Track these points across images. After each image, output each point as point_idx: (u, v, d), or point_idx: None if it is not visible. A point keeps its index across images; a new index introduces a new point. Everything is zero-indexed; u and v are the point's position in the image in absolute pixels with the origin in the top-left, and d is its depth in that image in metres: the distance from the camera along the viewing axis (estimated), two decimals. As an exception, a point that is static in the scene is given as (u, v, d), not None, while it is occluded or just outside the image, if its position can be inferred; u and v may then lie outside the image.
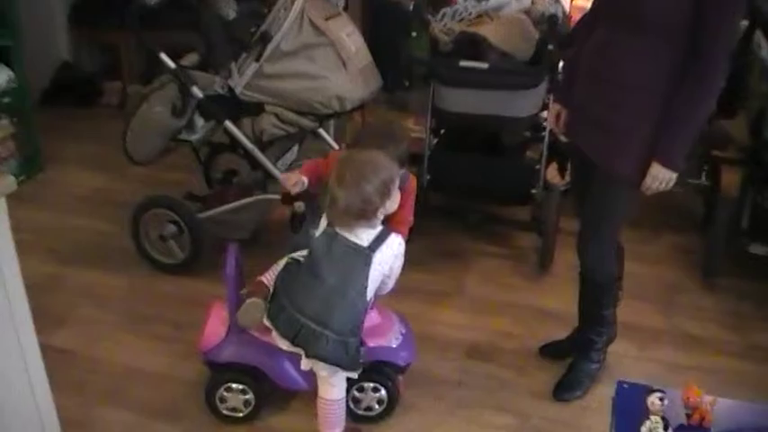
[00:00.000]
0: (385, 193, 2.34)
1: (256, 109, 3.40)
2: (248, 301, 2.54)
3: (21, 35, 4.62)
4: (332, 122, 4.01)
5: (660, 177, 2.52)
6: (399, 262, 2.47)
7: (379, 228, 2.41)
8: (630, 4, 2.48)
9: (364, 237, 2.38)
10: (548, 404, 3.01)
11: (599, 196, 2.77)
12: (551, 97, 3.58)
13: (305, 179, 2.88)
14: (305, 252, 2.50)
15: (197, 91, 3.39)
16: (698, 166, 4.19)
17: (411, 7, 3.72)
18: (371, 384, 2.81)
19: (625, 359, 3.23)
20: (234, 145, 3.55)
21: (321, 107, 3.31)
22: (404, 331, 2.88)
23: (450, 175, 3.88)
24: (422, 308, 3.52)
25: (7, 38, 4.51)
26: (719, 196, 3.96)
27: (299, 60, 3.29)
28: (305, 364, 2.49)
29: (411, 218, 2.82)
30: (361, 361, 2.56)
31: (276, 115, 3.35)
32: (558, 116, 2.96)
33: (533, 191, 3.78)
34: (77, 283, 3.69)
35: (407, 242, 2.54)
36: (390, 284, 2.54)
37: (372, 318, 2.75)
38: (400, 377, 2.91)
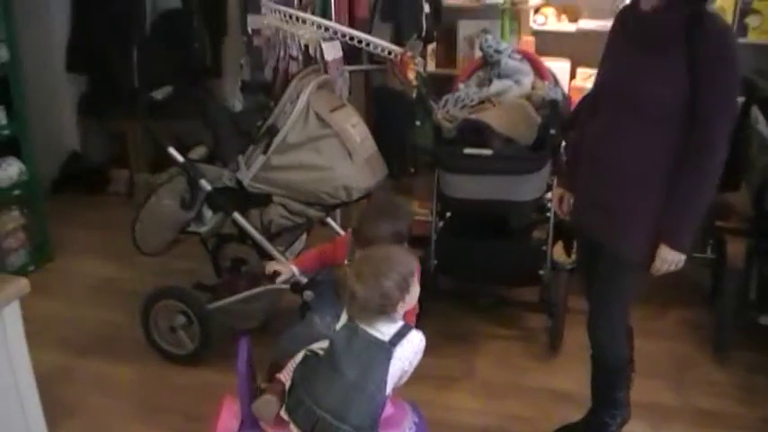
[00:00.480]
0: (404, 288, 2.34)
1: (264, 200, 3.43)
2: (262, 398, 2.55)
3: (30, 126, 4.70)
4: (339, 210, 4.05)
5: (669, 260, 2.55)
6: (419, 357, 2.46)
7: (400, 323, 2.41)
8: (628, 91, 2.54)
9: (385, 331, 2.38)
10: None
11: (606, 278, 2.78)
12: (555, 179, 3.64)
13: (294, 268, 3.00)
14: (323, 344, 2.50)
15: (205, 184, 3.44)
16: (703, 239, 4.21)
17: (414, 95, 3.78)
18: None
19: (640, 438, 3.20)
20: (242, 235, 3.58)
21: (328, 197, 3.35)
22: (417, 420, 2.84)
23: (457, 258, 3.90)
24: (432, 393, 3.50)
25: (17, 130, 4.59)
26: (726, 268, 3.97)
27: (305, 152, 3.34)
28: None
29: (416, 303, 2.81)
30: None
31: (284, 206, 3.39)
32: (561, 199, 2.99)
33: (541, 271, 3.79)
34: (88, 374, 3.69)
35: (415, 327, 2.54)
36: (406, 378, 2.53)
37: (385, 408, 2.71)
38: None
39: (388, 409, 2.70)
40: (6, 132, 4.52)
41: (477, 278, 4.04)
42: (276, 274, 3.03)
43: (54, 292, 4.42)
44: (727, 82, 2.44)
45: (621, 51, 2.63)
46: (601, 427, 3.05)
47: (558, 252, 3.97)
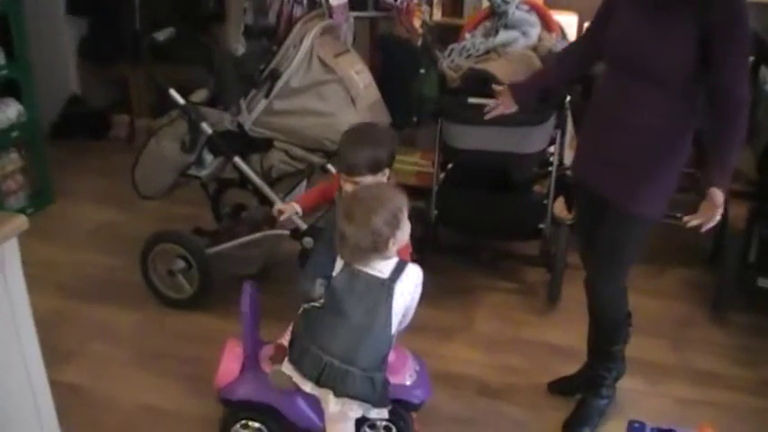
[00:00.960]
0: (394, 224, 2.33)
1: (265, 145, 3.42)
2: (272, 370, 2.57)
3: (31, 69, 4.65)
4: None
5: (720, 203, 2.52)
6: (419, 290, 2.46)
7: (395, 259, 2.40)
8: (639, 55, 2.55)
9: (382, 269, 2.38)
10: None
11: (612, 233, 2.78)
12: (558, 133, 3.61)
13: (297, 206, 2.98)
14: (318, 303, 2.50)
15: (206, 127, 3.41)
16: (706, 199, 4.19)
17: (419, 44, 3.73)
18: (384, 423, 2.78)
19: (635, 395, 3.21)
20: (243, 181, 3.56)
21: (330, 143, 3.32)
22: (418, 369, 2.86)
23: (458, 210, 3.89)
24: (432, 344, 3.51)
25: (17, 72, 4.54)
26: (727, 230, 3.96)
27: (308, 97, 3.31)
28: (333, 405, 2.44)
29: (408, 241, 2.77)
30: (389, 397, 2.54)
31: (285, 151, 3.37)
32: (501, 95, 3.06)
33: (541, 226, 3.78)
34: (86, 319, 3.69)
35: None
36: (409, 317, 2.53)
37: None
38: (414, 415, 2.88)
39: (390, 356, 2.70)
40: (5, 73, 4.48)
41: (477, 231, 4.03)
42: (280, 213, 3.01)
43: (53, 236, 4.40)
44: (743, 46, 2.45)
45: (628, 14, 2.61)
46: (596, 380, 3.05)
47: (558, 209, 3.95)
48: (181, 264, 3.64)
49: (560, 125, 3.63)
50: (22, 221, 2.17)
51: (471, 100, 3.49)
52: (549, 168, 3.74)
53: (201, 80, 3.72)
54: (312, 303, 2.52)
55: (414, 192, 4.52)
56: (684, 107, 2.56)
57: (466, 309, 3.82)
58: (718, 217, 2.54)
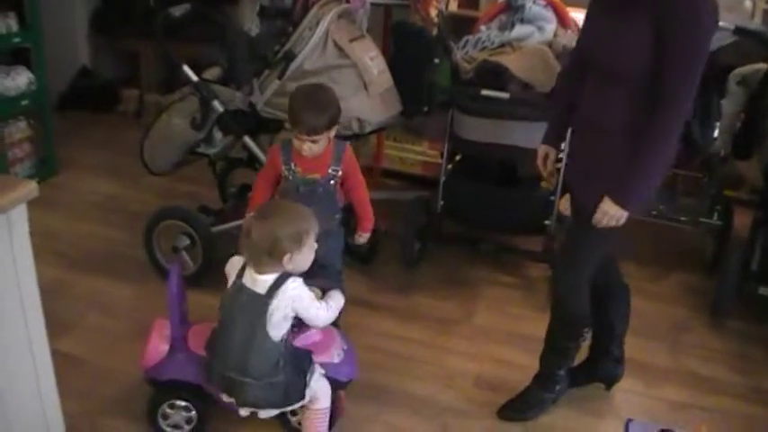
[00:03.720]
0: (296, 242, 2.42)
1: (275, 126, 3.41)
2: None
3: (42, 39, 4.65)
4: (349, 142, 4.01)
5: (610, 213, 2.54)
6: (302, 303, 2.50)
7: (276, 274, 2.46)
8: (601, 55, 2.54)
9: (266, 279, 2.46)
10: (553, 437, 3.00)
11: (572, 230, 2.88)
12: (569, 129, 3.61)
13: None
14: None
15: (218, 105, 3.41)
16: (710, 205, 4.20)
17: (434, 34, 3.73)
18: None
19: (631, 396, 3.22)
20: (251, 160, 3.56)
21: (341, 128, 3.31)
22: (345, 348, 2.89)
23: (464, 202, 3.90)
24: (430, 334, 3.53)
25: (29, 40, 4.54)
26: (731, 237, 3.96)
27: (320, 80, 3.30)
28: (243, 412, 2.60)
29: (362, 178, 3.07)
30: (307, 386, 2.61)
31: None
32: (545, 158, 2.97)
33: (546, 222, 3.79)
34: (86, 290, 3.69)
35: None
36: (319, 318, 2.57)
37: (313, 335, 2.81)
38: (342, 392, 2.91)
39: (316, 336, 2.81)
40: (17, 41, 4.48)
41: (481, 223, 4.03)
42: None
43: (57, 206, 4.40)
44: (689, 41, 2.36)
45: (596, 14, 2.62)
46: (547, 375, 3.07)
47: (564, 206, 3.95)
48: (185, 241, 3.65)
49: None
50: (31, 188, 2.17)
51: (484, 92, 3.50)
52: (558, 165, 3.73)
53: (214, 58, 3.72)
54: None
55: (419, 181, 4.60)
56: (638, 110, 2.48)
57: (465, 301, 3.82)
58: (610, 223, 2.56)
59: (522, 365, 3.27)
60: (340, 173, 2.99)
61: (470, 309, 3.77)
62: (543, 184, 3.93)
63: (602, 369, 3.18)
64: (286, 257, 2.41)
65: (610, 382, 3.20)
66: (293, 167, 2.96)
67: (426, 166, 4.68)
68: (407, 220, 3.96)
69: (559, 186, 3.76)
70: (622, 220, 2.55)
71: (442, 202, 3.87)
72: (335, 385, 2.81)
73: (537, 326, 3.14)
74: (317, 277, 3.21)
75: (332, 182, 3.01)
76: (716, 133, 3.85)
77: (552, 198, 3.78)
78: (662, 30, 2.34)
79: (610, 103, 2.54)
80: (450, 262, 4.10)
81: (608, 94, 2.54)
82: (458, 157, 4.01)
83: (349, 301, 3.64)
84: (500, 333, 3.59)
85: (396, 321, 3.62)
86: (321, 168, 2.98)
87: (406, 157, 4.81)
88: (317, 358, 2.72)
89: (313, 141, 2.85)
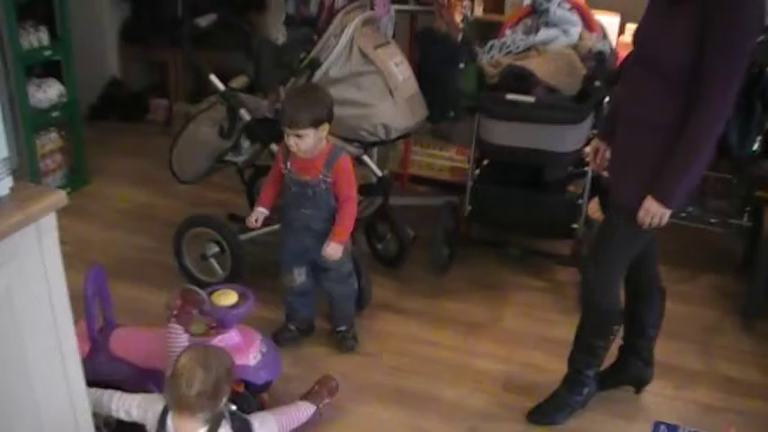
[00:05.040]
0: (230, 376, 2.34)
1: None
2: None
3: (72, 51, 4.70)
4: (376, 149, 4.03)
5: (653, 212, 2.54)
6: None
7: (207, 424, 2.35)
8: (650, 51, 2.54)
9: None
10: (582, 442, 2.99)
11: (604, 225, 2.85)
12: (595, 133, 3.60)
13: (261, 209, 3.26)
14: None
15: (245, 113, 3.44)
16: (740, 206, 4.17)
17: (459, 39, 3.74)
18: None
19: (660, 398, 3.19)
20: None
21: (367, 135, 3.35)
22: (265, 350, 2.90)
23: (492, 206, 3.90)
24: (458, 338, 3.53)
25: (59, 53, 4.59)
26: (761, 238, 3.93)
27: (346, 87, 3.33)
28: None
29: (354, 194, 3.13)
30: None
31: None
32: (596, 152, 2.97)
33: (574, 225, 3.78)
34: (117, 297, 3.67)
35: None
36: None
37: (233, 337, 2.82)
38: (265, 395, 2.97)
39: (236, 338, 2.83)
40: (48, 54, 4.53)
41: (509, 227, 4.03)
42: (255, 221, 3.27)
43: (88, 215, 4.45)
44: (732, 34, 2.35)
45: (650, 9, 2.62)
46: (575, 376, 3.05)
47: (593, 209, 3.94)
48: (214, 248, 3.67)
49: (597, 125, 3.61)
50: (61, 197, 2.20)
51: (509, 96, 3.50)
52: (585, 168, 3.73)
53: (241, 66, 3.75)
54: None
55: (447, 186, 4.60)
56: (681, 108, 2.47)
57: (494, 304, 3.82)
58: (654, 222, 2.55)
59: (551, 369, 3.26)
60: (329, 179, 3.06)
61: (499, 312, 3.77)
62: (570, 187, 3.92)
63: (632, 371, 3.16)
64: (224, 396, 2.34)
65: (639, 384, 3.18)
66: (288, 166, 3.11)
67: (454, 171, 4.68)
68: (436, 224, 3.96)
69: (587, 189, 3.75)
70: (665, 219, 2.55)
71: (469, 207, 3.87)
72: (254, 388, 2.87)
73: (566, 330, 3.13)
74: (325, 280, 3.27)
75: (323, 186, 3.07)
76: (756, 146, 3.71)
77: (580, 201, 3.77)
78: (707, 23, 2.34)
79: (653, 98, 2.53)
80: (478, 266, 4.10)
81: (652, 89, 2.53)
82: (485, 162, 4.01)
83: (377, 306, 3.71)
84: (529, 337, 3.58)
85: (424, 325, 3.63)
86: (312, 171, 3.07)
87: (434, 163, 4.81)
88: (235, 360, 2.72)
89: (297, 136, 2.96)
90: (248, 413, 2.75)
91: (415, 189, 4.85)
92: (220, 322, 2.84)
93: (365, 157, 3.68)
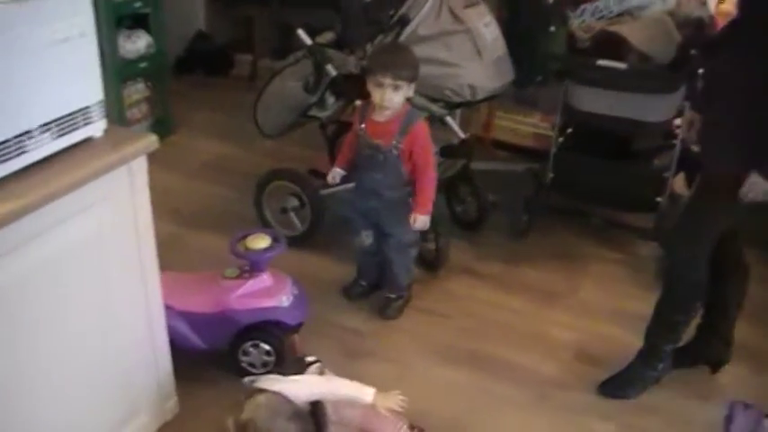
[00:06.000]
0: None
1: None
2: None
3: (161, 4, 4.77)
4: (459, 111, 4.00)
5: (758, 187, 2.47)
6: None
7: None
8: (754, 12, 2.49)
9: None
10: (653, 417, 2.93)
11: (693, 198, 2.81)
12: (687, 104, 3.50)
13: (339, 170, 3.26)
14: None
15: (331, 69, 3.43)
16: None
17: (551, 1, 3.67)
18: (258, 343, 2.92)
19: (737, 380, 3.12)
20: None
21: (452, 95, 3.32)
22: (296, 292, 2.97)
23: (575, 175, 3.84)
24: (533, 306, 3.51)
25: (149, 6, 4.67)
26: None
27: (434, 46, 3.30)
28: None
29: (432, 160, 3.11)
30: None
31: (407, 99, 3.37)
32: (691, 124, 2.90)
33: (659, 199, 3.69)
34: (197, 245, 3.79)
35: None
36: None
37: (264, 280, 2.90)
38: (296, 336, 2.99)
39: (267, 281, 2.91)
40: (138, 6, 4.60)
41: (591, 197, 3.95)
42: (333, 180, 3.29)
43: (171, 165, 4.49)
44: None
45: None
46: (651, 350, 2.99)
47: (678, 184, 3.85)
48: (294, 202, 3.71)
49: (690, 95, 3.51)
50: (152, 141, 2.25)
51: (600, 62, 3.43)
52: (674, 141, 3.64)
53: (329, 22, 3.74)
54: None
55: (529, 153, 4.54)
56: None
57: (571, 275, 3.77)
58: (758, 198, 2.49)
59: (626, 343, 3.20)
60: (402, 146, 3.03)
61: (576, 283, 3.72)
62: (656, 160, 3.83)
63: (710, 351, 3.10)
64: None
65: (716, 364, 3.11)
66: (363, 128, 3.08)
67: (537, 137, 4.61)
68: (516, 191, 3.94)
69: (674, 163, 3.66)
70: None
71: (552, 174, 3.81)
72: (285, 328, 2.93)
73: (643, 305, 3.07)
74: (385, 245, 3.30)
75: (394, 152, 3.04)
76: None
77: (666, 175, 3.68)
78: None
79: (758, 68, 2.45)
80: (557, 235, 4.05)
81: (757, 58, 2.45)
82: (570, 130, 3.94)
83: (453, 268, 3.71)
84: (605, 309, 3.53)
85: (500, 291, 3.60)
86: (386, 136, 3.04)
87: (517, 129, 4.75)
88: (265, 302, 2.86)
89: (394, 88, 2.94)
90: (280, 352, 2.88)
91: (497, 154, 4.79)
92: (253, 265, 2.91)
93: (448, 119, 3.64)
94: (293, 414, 2.24)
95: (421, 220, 3.09)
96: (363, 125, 3.11)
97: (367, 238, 3.34)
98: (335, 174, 3.28)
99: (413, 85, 3.00)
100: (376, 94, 2.98)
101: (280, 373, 2.47)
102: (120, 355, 2.37)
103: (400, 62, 2.98)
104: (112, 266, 2.25)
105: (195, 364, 2.95)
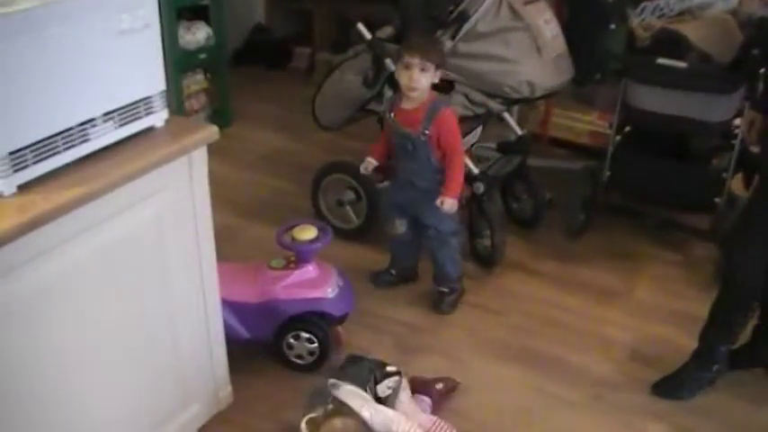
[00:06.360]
0: None
1: (446, 87, 3.42)
2: None
3: (220, -5, 4.83)
4: (517, 108, 4.00)
5: None
6: None
7: None
8: None
9: None
10: (707, 420, 2.90)
11: (754, 198, 2.77)
12: (747, 105, 3.46)
13: (371, 159, 3.27)
14: None
15: (390, 63, 3.44)
16: None
17: (611, -1, 3.65)
18: (304, 334, 2.94)
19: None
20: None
21: (511, 91, 3.31)
22: (341, 284, 2.99)
23: (632, 174, 3.81)
24: (588, 304, 3.49)
25: (209, -2, 4.72)
26: None
27: (493, 42, 3.30)
28: None
29: (460, 146, 3.14)
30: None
31: (465, 95, 3.38)
32: (752, 124, 2.86)
33: (716, 200, 3.65)
34: (252, 236, 3.84)
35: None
36: None
37: (309, 271, 2.93)
38: (340, 328, 3.05)
39: (313, 272, 2.95)
40: (198, -3, 4.66)
41: (648, 197, 3.94)
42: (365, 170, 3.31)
43: (228, 156, 4.55)
44: None
45: None
46: (705, 352, 2.97)
47: (736, 185, 3.80)
48: (351, 195, 3.74)
49: (750, 96, 3.47)
50: (212, 132, 2.28)
51: (660, 61, 3.40)
52: (732, 141, 3.59)
53: (388, 17, 3.76)
54: None
55: (586, 151, 4.52)
56: None
57: (627, 274, 3.74)
58: None
59: (681, 344, 3.18)
60: (429, 132, 3.04)
61: (632, 283, 3.69)
62: (715, 160, 3.79)
63: (766, 354, 3.06)
64: None
65: (772, 368, 3.08)
66: (392, 117, 3.13)
67: (594, 135, 4.58)
68: (573, 189, 3.92)
69: (733, 163, 3.61)
70: None
71: (608, 173, 3.79)
72: (330, 319, 2.96)
73: (699, 306, 3.04)
74: (425, 238, 3.34)
75: (422, 139, 3.06)
76: None
77: (724, 176, 3.63)
78: None
79: None
80: (613, 234, 4.02)
81: None
82: (627, 129, 3.91)
83: (508, 265, 3.71)
84: (661, 310, 3.50)
85: (554, 289, 3.60)
86: (414, 124, 3.07)
87: (575, 126, 4.72)
88: (311, 293, 2.89)
89: (422, 69, 2.95)
90: (324, 343, 2.93)
91: (554, 152, 4.78)
92: (299, 256, 2.94)
93: (506, 115, 3.65)
94: None
95: (448, 203, 3.09)
96: (392, 113, 3.14)
97: (401, 226, 3.36)
98: (368, 164, 3.29)
99: (438, 74, 3.02)
100: (403, 77, 2.99)
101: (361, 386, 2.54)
102: (176, 344, 2.41)
103: (429, 45, 3.05)
104: (171, 256, 2.29)
105: (250, 356, 3.01)
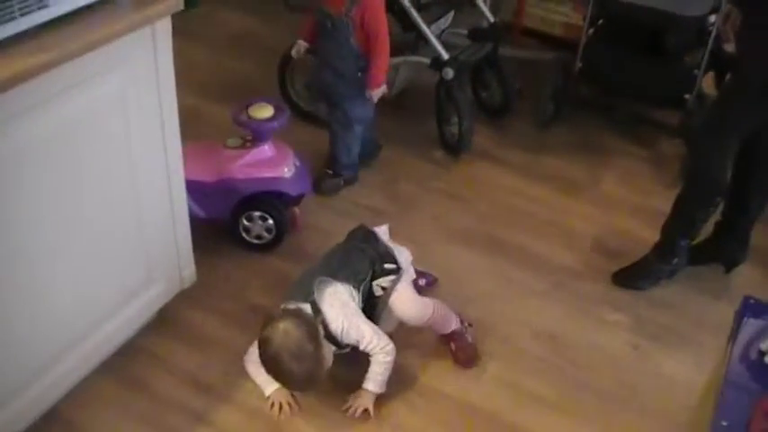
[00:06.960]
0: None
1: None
2: None
3: None
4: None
5: None
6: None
7: None
8: None
9: None
10: (664, 311, 2.97)
11: (724, 90, 2.84)
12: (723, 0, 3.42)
13: (302, 42, 3.30)
14: None
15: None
16: None
17: None
18: (259, 213, 2.95)
19: (749, 282, 3.10)
20: (390, 4, 3.50)
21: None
22: (298, 164, 3.00)
23: (603, 67, 3.79)
24: (554, 195, 3.52)
25: None
26: None
27: None
28: None
29: (385, 33, 3.07)
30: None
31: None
32: (728, 18, 2.83)
33: (686, 96, 3.64)
34: (218, 119, 3.75)
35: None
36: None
37: (265, 151, 2.93)
38: (296, 209, 3.06)
39: (269, 152, 2.94)
40: None
41: (619, 91, 3.93)
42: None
43: (196, 37, 4.45)
44: None
45: None
46: (666, 245, 3.01)
47: (707, 83, 3.78)
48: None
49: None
50: (177, 1, 2.19)
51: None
52: (706, 38, 3.56)
53: None
54: None
55: (559, 43, 4.47)
56: None
57: (594, 167, 3.76)
58: None
59: (644, 238, 3.21)
60: (352, 14, 2.99)
61: (598, 175, 3.71)
62: (687, 57, 3.76)
63: (726, 250, 3.10)
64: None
65: (731, 264, 3.12)
66: None
67: (568, 27, 4.51)
68: (543, 80, 3.89)
69: (705, 61, 3.59)
70: None
71: (580, 65, 3.76)
72: (287, 200, 2.97)
73: (664, 202, 3.06)
74: (332, 116, 3.34)
75: (344, 20, 3.01)
76: None
77: (696, 72, 3.62)
78: None
79: None
80: (582, 127, 4.01)
81: None
82: (601, 21, 3.85)
83: (475, 153, 3.70)
84: (625, 203, 3.53)
85: (521, 178, 3.61)
86: (337, 4, 3.01)
87: (548, 17, 4.65)
88: (267, 173, 2.88)
89: None
90: (280, 223, 2.93)
91: (527, 42, 4.71)
92: (256, 135, 2.93)
93: (479, 1, 3.58)
94: (306, 355, 2.26)
95: (376, 93, 3.13)
96: None
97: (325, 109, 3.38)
98: (299, 46, 3.28)
99: None
100: None
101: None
102: (139, 222, 2.38)
103: None
104: (134, 131, 2.23)
105: (216, 239, 3.01)
